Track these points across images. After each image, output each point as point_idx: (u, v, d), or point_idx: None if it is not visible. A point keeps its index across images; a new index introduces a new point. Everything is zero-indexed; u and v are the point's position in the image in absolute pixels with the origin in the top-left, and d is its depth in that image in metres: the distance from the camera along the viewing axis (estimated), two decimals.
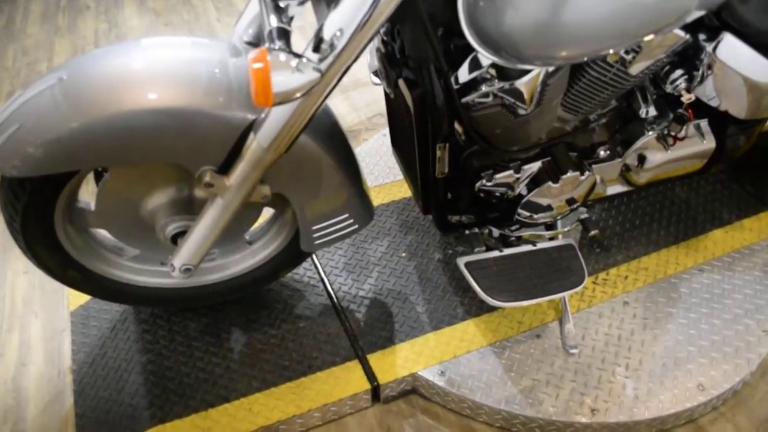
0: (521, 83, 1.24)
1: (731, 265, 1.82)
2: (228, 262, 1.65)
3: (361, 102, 2.59)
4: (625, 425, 1.48)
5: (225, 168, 1.28)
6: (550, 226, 1.71)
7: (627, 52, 1.31)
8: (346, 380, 1.56)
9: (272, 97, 0.98)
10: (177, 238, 1.45)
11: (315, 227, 1.48)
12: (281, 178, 1.35)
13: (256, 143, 1.21)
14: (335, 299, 1.73)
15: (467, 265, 1.53)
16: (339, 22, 1.07)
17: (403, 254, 1.85)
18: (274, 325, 1.69)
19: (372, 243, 1.88)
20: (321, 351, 1.63)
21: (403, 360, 1.59)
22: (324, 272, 1.81)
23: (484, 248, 1.58)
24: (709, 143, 1.63)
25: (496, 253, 1.57)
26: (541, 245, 1.62)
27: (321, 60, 1.07)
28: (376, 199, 2.03)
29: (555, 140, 1.52)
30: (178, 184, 1.43)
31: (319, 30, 1.08)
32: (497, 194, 1.53)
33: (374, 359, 1.60)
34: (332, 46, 1.07)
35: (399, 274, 1.79)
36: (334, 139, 1.40)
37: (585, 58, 1.20)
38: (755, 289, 1.75)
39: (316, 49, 1.08)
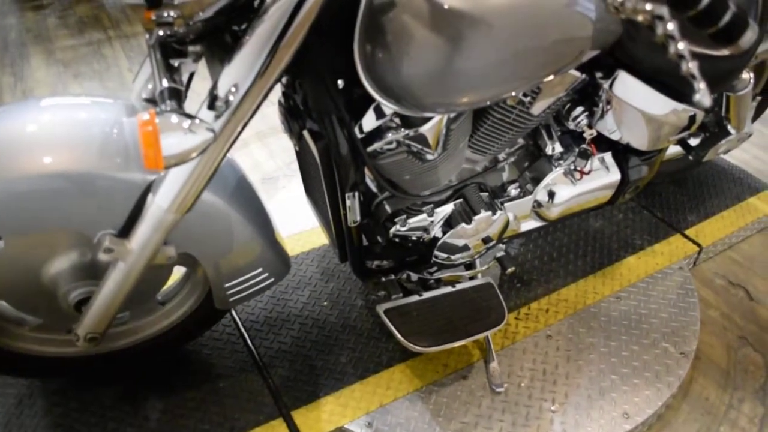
0: (425, 130, 1.24)
1: (646, 290, 1.87)
2: (140, 325, 1.58)
3: (278, 148, 2.56)
4: None
5: (125, 231, 1.23)
6: (468, 266, 1.71)
7: (526, 94, 1.34)
8: None
9: (163, 161, 0.94)
10: (81, 305, 1.37)
11: (228, 284, 1.44)
12: (187, 238, 1.30)
13: (156, 205, 1.16)
14: (256, 355, 1.67)
15: (387, 312, 1.51)
16: (233, 78, 1.05)
17: (325, 303, 1.81)
18: (192, 388, 1.62)
19: (293, 294, 1.84)
20: (243, 411, 1.56)
21: (329, 414, 1.54)
22: (244, 327, 1.75)
23: (401, 294, 1.57)
24: (614, 175, 1.67)
25: (415, 298, 1.56)
26: (460, 286, 1.62)
27: (216, 117, 1.05)
28: (296, 247, 1.99)
29: (466, 181, 1.53)
30: (79, 248, 1.36)
31: (214, 87, 1.06)
32: (413, 238, 1.52)
33: (299, 415, 1.55)
34: (227, 102, 1.04)
35: (322, 324, 1.75)
36: (241, 193, 1.37)
37: (486, 103, 1.21)
38: (670, 312, 1.80)
39: (211, 106, 1.05)
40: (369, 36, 1.09)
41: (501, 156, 1.59)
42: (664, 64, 1.49)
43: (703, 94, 0.83)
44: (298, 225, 2.07)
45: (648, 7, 0.80)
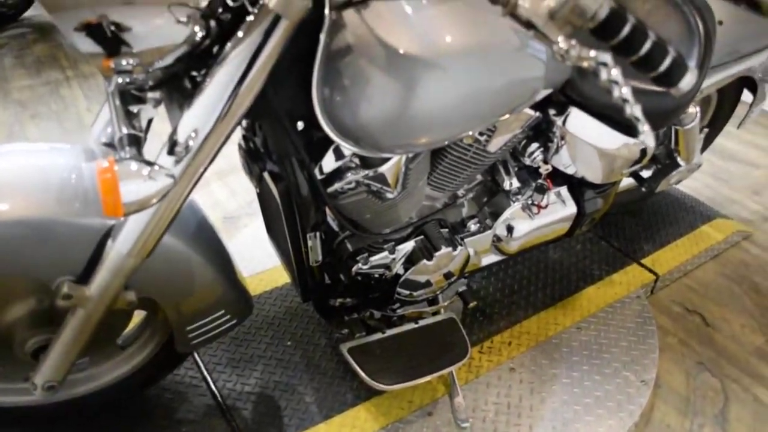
0: (385, 170, 1.26)
1: (606, 320, 1.90)
2: (100, 371, 1.55)
3: (239, 187, 2.56)
4: None
5: (85, 277, 1.21)
6: (431, 301, 1.72)
7: (482, 133, 1.37)
8: None
9: (122, 208, 0.94)
10: (38, 353, 1.34)
11: (189, 327, 1.42)
12: (147, 281, 1.29)
13: (115, 250, 1.15)
14: (220, 398, 1.65)
15: (350, 350, 1.51)
16: (193, 124, 1.05)
17: (289, 343, 1.80)
18: None
19: (256, 334, 1.83)
20: None
21: None
22: (207, 370, 1.73)
23: (364, 333, 1.57)
24: (570, 208, 1.71)
25: (379, 335, 1.56)
26: (423, 322, 1.63)
27: (176, 163, 1.05)
28: (259, 286, 1.98)
29: (426, 218, 1.55)
30: (37, 294, 1.33)
31: (173, 133, 1.06)
32: (375, 276, 1.53)
33: None
34: (187, 148, 1.05)
35: (285, 365, 1.74)
36: (202, 235, 1.36)
37: (444, 143, 1.24)
38: (630, 341, 1.83)
39: (171, 152, 1.05)
40: (327, 80, 1.11)
41: (460, 192, 1.62)
42: (612, 102, 1.54)
43: (646, 136, 0.87)
44: (261, 264, 2.06)
45: (592, 54, 0.83)
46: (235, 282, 1.45)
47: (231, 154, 2.69)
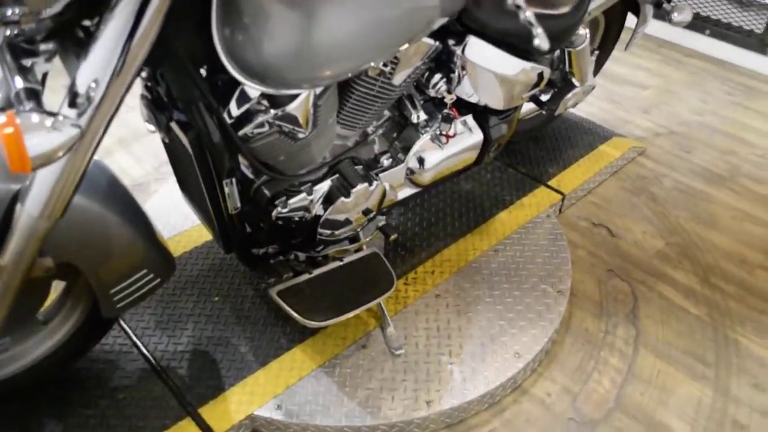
0: (293, 108, 1.27)
1: (520, 240, 2.00)
2: (24, 350, 1.51)
3: (144, 153, 2.49)
4: (459, 408, 1.56)
5: None
6: (353, 239, 1.76)
7: (386, 65, 1.39)
8: None
9: (29, 161, 0.91)
10: None
11: (113, 290, 1.40)
12: (64, 246, 1.26)
13: (25, 213, 1.12)
14: (153, 360, 1.64)
15: (280, 293, 1.53)
16: (92, 73, 1.03)
17: (216, 298, 1.80)
18: (90, 405, 1.56)
19: (181, 295, 1.82)
20: (148, 418, 1.53)
21: (237, 404, 1.55)
22: (135, 335, 1.71)
23: (292, 274, 1.59)
24: (477, 136, 1.78)
25: (306, 276, 1.59)
26: (347, 259, 1.66)
27: (79, 115, 1.02)
28: (178, 248, 1.96)
29: (340, 157, 1.57)
30: None
31: (73, 84, 1.03)
32: (296, 219, 1.55)
33: (207, 411, 1.54)
34: (89, 98, 1.02)
35: (216, 320, 1.74)
36: (115, 195, 1.34)
37: (349, 75, 1.26)
38: (544, 257, 1.94)
39: (72, 104, 1.03)
40: (226, 19, 1.10)
41: (370, 129, 1.65)
42: (508, 26, 1.59)
43: (541, 39, 0.92)
44: (178, 226, 2.03)
45: None
46: (155, 240, 1.44)
47: (132, 122, 2.62)
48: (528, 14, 0.89)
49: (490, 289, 1.82)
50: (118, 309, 1.44)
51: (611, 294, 1.94)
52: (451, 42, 1.61)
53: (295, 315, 1.50)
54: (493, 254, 1.94)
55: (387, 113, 1.67)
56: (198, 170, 1.35)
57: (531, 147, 2.44)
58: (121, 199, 1.35)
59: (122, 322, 1.74)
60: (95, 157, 1.36)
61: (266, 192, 1.49)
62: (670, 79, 3.16)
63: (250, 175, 1.48)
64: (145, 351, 1.67)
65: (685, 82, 3.14)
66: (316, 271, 1.61)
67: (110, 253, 1.34)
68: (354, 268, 1.64)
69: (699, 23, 3.36)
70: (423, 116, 1.67)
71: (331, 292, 1.57)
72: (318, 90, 1.30)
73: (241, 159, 1.41)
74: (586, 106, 2.85)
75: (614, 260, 2.06)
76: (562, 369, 1.71)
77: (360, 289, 1.60)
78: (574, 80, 2.01)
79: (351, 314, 1.55)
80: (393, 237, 1.69)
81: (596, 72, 2.43)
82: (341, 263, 1.65)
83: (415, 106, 1.67)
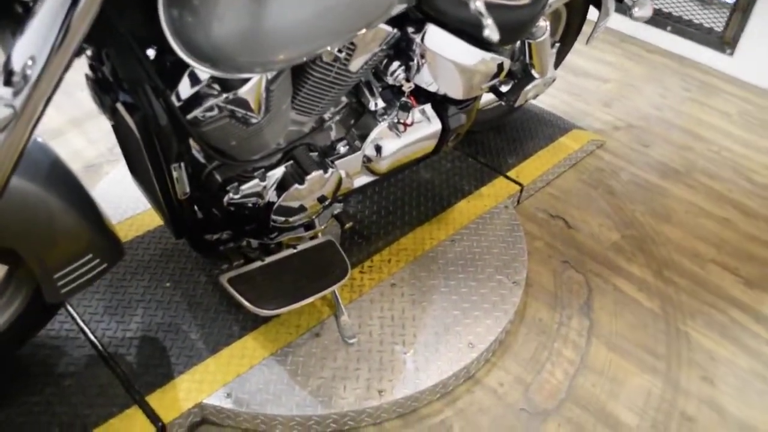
0: (244, 92, 1.24)
1: (477, 230, 2.00)
2: None
3: (97, 134, 2.43)
4: (411, 397, 1.56)
5: None
6: (308, 227, 1.74)
7: (342, 50, 1.37)
8: (128, 429, 1.46)
9: None
10: None
11: (57, 275, 1.36)
12: (3, 231, 1.22)
13: None
14: (100, 347, 1.60)
15: (231, 281, 1.51)
16: (29, 50, 0.98)
17: (168, 284, 1.77)
18: (35, 392, 1.52)
19: (132, 280, 1.78)
20: (94, 406, 1.50)
21: (186, 392, 1.52)
22: (83, 321, 1.66)
23: (242, 261, 1.57)
24: (435, 125, 1.76)
25: (258, 264, 1.56)
26: (301, 247, 1.64)
27: (15, 94, 0.98)
28: (129, 231, 1.92)
29: (295, 143, 1.55)
30: None
31: (8, 61, 0.99)
32: (248, 205, 1.52)
33: (154, 399, 1.51)
34: (25, 77, 0.98)
35: (166, 306, 1.71)
36: (58, 178, 1.29)
37: (302, 59, 1.23)
38: (500, 247, 1.94)
39: (8, 82, 0.98)
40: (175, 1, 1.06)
41: (327, 115, 1.62)
42: (466, 15, 1.58)
43: (490, 29, 0.90)
44: (130, 209, 1.99)
45: None
46: (101, 224, 1.39)
47: (84, 101, 2.54)
48: (478, 4, 0.88)
49: (445, 279, 1.82)
50: (63, 294, 1.40)
51: (566, 285, 1.96)
52: (410, 29, 1.59)
53: (246, 303, 1.48)
54: (449, 244, 1.94)
55: (344, 100, 1.65)
56: (146, 154, 1.31)
57: (491, 137, 2.44)
58: (64, 182, 1.31)
59: (69, 307, 1.70)
60: (38, 139, 1.32)
61: (218, 177, 1.46)
62: (631, 74, 3.19)
63: (202, 160, 1.45)
64: (92, 337, 1.63)
65: (645, 77, 3.17)
66: (269, 259, 1.58)
67: (52, 237, 1.29)
68: (308, 256, 1.62)
69: (661, 19, 3.39)
70: (381, 104, 1.66)
71: (283, 280, 1.55)
72: (271, 74, 1.27)
73: (191, 143, 1.38)
74: (547, 98, 2.86)
75: (570, 252, 2.08)
76: (515, 359, 1.72)
77: (313, 277, 1.58)
78: (534, 72, 2.01)
79: (303, 302, 1.53)
80: (348, 225, 1.68)
81: (557, 64, 2.43)
82: (295, 251, 1.62)
83: (373, 93, 1.65)
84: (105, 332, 1.64)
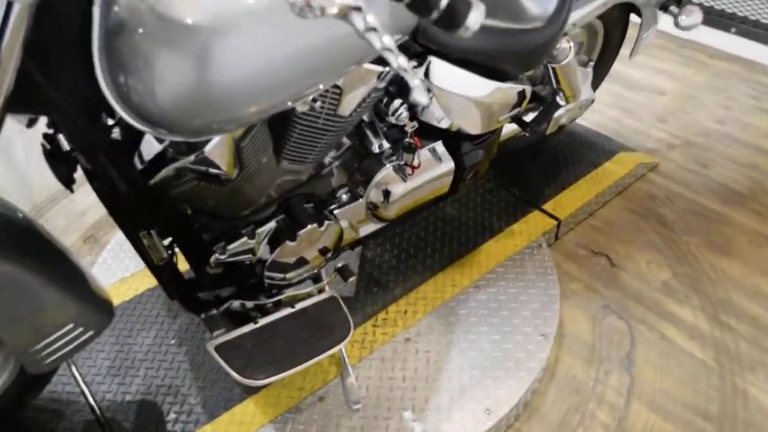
0: (209, 152, 1.13)
1: (505, 274, 1.83)
2: None
3: None
4: None
5: None
6: (315, 279, 1.62)
7: (316, 100, 1.24)
8: None
9: None
10: None
11: (36, 348, 1.29)
12: None
13: None
14: (99, 411, 1.53)
15: (219, 348, 1.40)
16: None
17: (173, 341, 1.68)
18: None
19: (138, 336, 1.70)
20: None
21: None
22: (85, 382, 1.60)
23: (233, 326, 1.46)
24: (447, 164, 1.61)
25: (250, 327, 1.45)
26: (300, 305, 1.52)
27: None
28: (141, 284, 1.85)
29: (289, 194, 1.43)
30: None
31: None
32: (239, 263, 1.41)
33: None
34: None
35: (169, 366, 1.62)
36: (39, 251, 1.22)
37: (265, 116, 1.11)
38: (530, 294, 1.76)
39: None
40: (114, 63, 0.96)
41: (327, 160, 1.50)
42: (471, 44, 1.43)
43: (418, 91, 0.76)
44: (140, 263, 1.92)
45: (340, 1, 0.71)
46: (86, 291, 1.31)
47: None
48: (401, 61, 0.73)
49: (465, 332, 1.66)
50: (45, 365, 1.32)
51: (606, 335, 1.76)
52: (412, 63, 1.45)
53: (233, 372, 1.36)
54: (473, 291, 1.77)
55: (346, 141, 1.52)
56: (115, 221, 1.22)
57: (527, 165, 2.25)
58: (45, 254, 1.23)
59: (73, 367, 1.64)
60: (19, 213, 1.25)
61: (204, 235, 1.36)
62: (691, 83, 2.92)
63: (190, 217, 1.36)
64: (92, 401, 1.56)
65: (707, 86, 2.90)
66: (264, 320, 1.47)
67: (25, 312, 1.22)
68: (307, 316, 1.50)
69: (724, 20, 3.10)
70: (386, 145, 1.52)
71: (277, 344, 1.43)
72: (238, 131, 1.15)
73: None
74: (594, 115, 2.64)
75: (612, 294, 1.87)
76: (542, 424, 1.54)
77: (311, 339, 1.45)
78: (562, 97, 1.82)
79: (298, 369, 1.40)
80: (352, 279, 1.55)
81: (597, 84, 2.23)
82: (292, 310, 1.50)
83: (377, 134, 1.51)
84: (105, 395, 1.57)
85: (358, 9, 0.71)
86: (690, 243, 2.05)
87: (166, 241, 1.33)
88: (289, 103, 1.09)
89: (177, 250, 1.40)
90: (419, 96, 0.76)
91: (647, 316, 1.81)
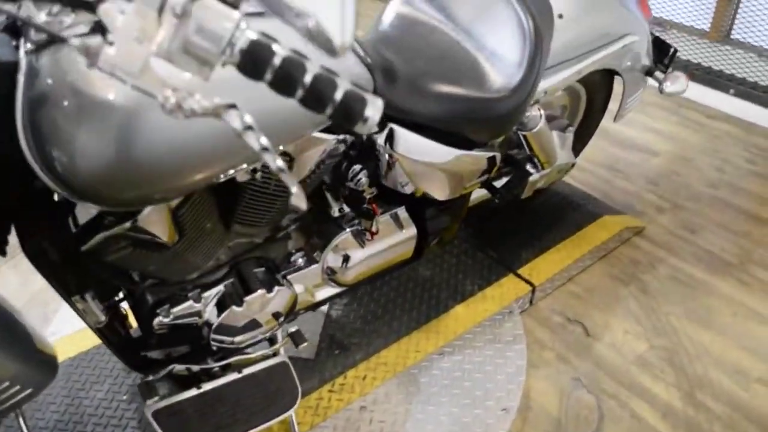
0: (144, 220, 1.10)
1: (472, 341, 1.77)
2: None
3: None
4: None
5: None
6: (271, 341, 1.58)
7: (257, 170, 1.21)
8: None
9: None
10: None
11: None
12: None
13: None
14: None
15: (157, 414, 1.36)
16: None
17: (124, 397, 1.64)
18: None
19: (91, 389, 1.67)
20: None
21: None
22: None
23: (175, 390, 1.42)
24: (410, 230, 1.58)
25: (193, 392, 1.41)
26: (248, 370, 1.47)
27: None
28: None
29: (241, 257, 1.40)
30: None
31: None
32: (185, 326, 1.38)
33: None
34: None
35: (117, 423, 1.58)
36: None
37: (202, 187, 1.08)
38: (496, 364, 1.71)
39: None
40: (37, 134, 0.94)
41: (284, 222, 1.47)
42: (437, 111, 1.41)
43: (296, 198, 0.73)
44: None
45: (217, 101, 0.68)
46: (26, 349, 1.28)
47: None
48: (279, 163, 0.70)
49: (424, 403, 1.61)
50: None
51: (573, 409, 1.69)
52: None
53: None
54: (437, 358, 1.72)
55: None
56: (49, 284, 1.20)
57: (508, 225, 2.20)
58: None
59: (20, 419, 1.60)
60: None
61: (149, 298, 1.33)
62: (686, 144, 2.88)
63: (136, 277, 1.33)
64: None
65: (702, 148, 2.85)
66: (207, 385, 1.43)
67: None
68: (254, 381, 1.45)
69: (723, 81, 3.07)
70: (346, 209, 1.49)
71: (219, 412, 1.39)
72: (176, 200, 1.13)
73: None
74: (584, 174, 2.60)
75: (584, 366, 1.81)
76: None
77: (256, 406, 1.41)
78: (537, 164, 1.78)
79: None
80: (303, 345, 1.51)
81: (581, 147, 2.19)
82: (239, 375, 1.46)
83: (337, 197, 1.49)
84: None
85: (234, 107, 0.68)
86: (670, 313, 1.99)
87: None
88: (215, 179, 1.06)
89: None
90: (298, 202, 0.73)
91: (619, 391, 1.74)
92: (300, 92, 0.69)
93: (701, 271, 2.16)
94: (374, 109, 0.72)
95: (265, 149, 0.69)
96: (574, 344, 1.88)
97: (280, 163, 0.70)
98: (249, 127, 0.68)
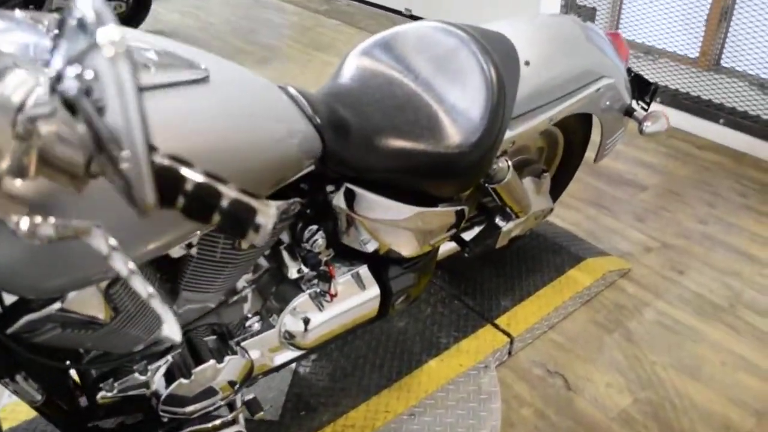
0: (70, 303, 1.04)
1: (445, 400, 1.70)
2: None
3: None
4: None
5: None
6: (231, 406, 1.50)
7: (192, 245, 1.15)
8: None
9: None
10: None
11: None
12: None
13: None
14: None
15: None
16: None
17: None
18: None
19: None
20: None
21: None
22: None
23: None
24: (372, 290, 1.51)
25: None
26: None
27: None
28: None
29: (191, 325, 1.33)
30: None
31: None
32: (134, 397, 1.31)
33: None
34: None
35: None
36: None
37: (144, 260, 1.02)
38: (468, 425, 1.63)
39: None
40: None
41: (240, 284, 1.41)
42: (393, 165, 1.35)
43: (170, 328, 0.66)
44: None
45: (75, 224, 0.62)
46: None
47: None
48: (149, 289, 0.64)
49: None
50: None
51: None
52: (329, 189, 1.37)
53: None
54: (407, 419, 1.64)
55: (264, 264, 1.43)
56: None
57: (486, 271, 2.13)
58: None
59: None
60: None
61: (91, 371, 1.27)
62: (675, 178, 2.80)
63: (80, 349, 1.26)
64: None
65: (691, 181, 2.78)
66: None
67: None
68: None
69: (712, 111, 3.00)
70: (304, 270, 1.42)
71: None
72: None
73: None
74: (569, 212, 2.53)
75: (564, 423, 1.73)
76: None
77: None
78: (509, 214, 1.71)
79: None
80: (260, 415, 1.43)
81: (560, 191, 2.13)
82: None
83: (295, 258, 1.42)
84: None
85: (98, 227, 0.62)
86: (656, 363, 1.91)
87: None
88: (146, 257, 1.00)
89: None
90: (171, 333, 0.66)
91: None
92: (182, 201, 0.63)
93: (689, 315, 2.08)
94: (265, 218, 0.65)
95: (132, 272, 0.63)
96: (554, 399, 1.79)
97: (150, 289, 0.64)
98: (115, 249, 0.62)
